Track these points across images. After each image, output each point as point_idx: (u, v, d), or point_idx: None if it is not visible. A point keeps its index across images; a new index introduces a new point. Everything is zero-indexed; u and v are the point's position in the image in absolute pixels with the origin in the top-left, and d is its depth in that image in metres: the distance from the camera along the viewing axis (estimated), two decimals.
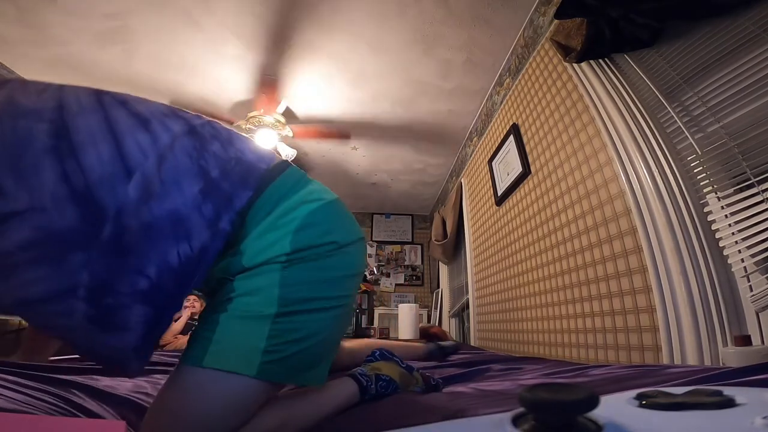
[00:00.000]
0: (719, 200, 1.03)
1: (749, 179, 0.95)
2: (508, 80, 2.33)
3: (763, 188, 0.91)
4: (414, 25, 2.07)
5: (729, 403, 0.24)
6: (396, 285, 4.97)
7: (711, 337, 0.96)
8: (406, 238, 5.19)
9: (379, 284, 4.88)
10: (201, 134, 0.54)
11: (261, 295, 0.51)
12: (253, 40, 2.21)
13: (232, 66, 2.44)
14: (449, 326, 3.79)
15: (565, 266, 1.64)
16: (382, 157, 3.63)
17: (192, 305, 2.73)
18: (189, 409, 0.48)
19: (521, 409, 0.23)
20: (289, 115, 2.87)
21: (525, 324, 2.02)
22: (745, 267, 0.95)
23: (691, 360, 0.99)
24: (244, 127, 2.82)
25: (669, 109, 1.18)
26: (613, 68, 1.41)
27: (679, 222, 1.08)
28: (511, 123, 2.27)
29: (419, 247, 5.15)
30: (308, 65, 2.42)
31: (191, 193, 0.48)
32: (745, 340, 0.85)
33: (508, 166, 2.27)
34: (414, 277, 5.02)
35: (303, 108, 2.87)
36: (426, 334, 2.90)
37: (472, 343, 2.83)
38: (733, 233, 0.97)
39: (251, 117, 2.76)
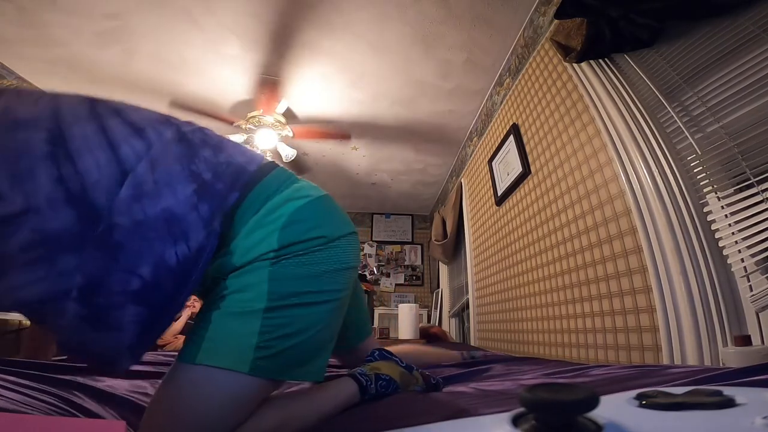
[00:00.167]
0: (719, 200, 1.03)
1: (749, 179, 0.95)
2: (508, 80, 2.33)
3: (763, 188, 0.91)
4: (414, 25, 2.07)
5: (729, 403, 0.24)
6: (396, 285, 4.96)
7: (711, 337, 0.96)
8: (406, 238, 5.19)
9: (379, 284, 4.88)
10: (191, 141, 0.56)
11: (251, 291, 0.52)
12: (253, 40, 2.21)
13: (232, 66, 2.44)
14: (449, 326, 3.79)
15: (565, 266, 1.64)
16: (382, 157, 3.63)
17: (192, 305, 2.73)
18: (184, 407, 0.48)
19: (521, 409, 0.23)
20: (289, 115, 2.87)
21: (525, 324, 2.02)
22: (745, 267, 0.95)
23: (691, 360, 0.99)
24: (243, 126, 2.81)
25: (669, 109, 1.18)
26: (613, 68, 1.41)
27: (679, 222, 1.08)
28: (511, 123, 2.27)
29: (419, 247, 5.15)
30: (308, 65, 2.42)
31: (185, 195, 0.49)
32: (745, 340, 0.85)
33: (508, 166, 2.27)
34: (414, 277, 5.02)
35: (303, 108, 2.87)
36: (426, 334, 2.90)
37: (472, 343, 2.83)
38: (733, 233, 0.97)
39: (251, 117, 2.76)
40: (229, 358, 0.49)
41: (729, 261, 0.98)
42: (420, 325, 2.92)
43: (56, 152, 0.45)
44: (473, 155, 3.05)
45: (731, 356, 0.86)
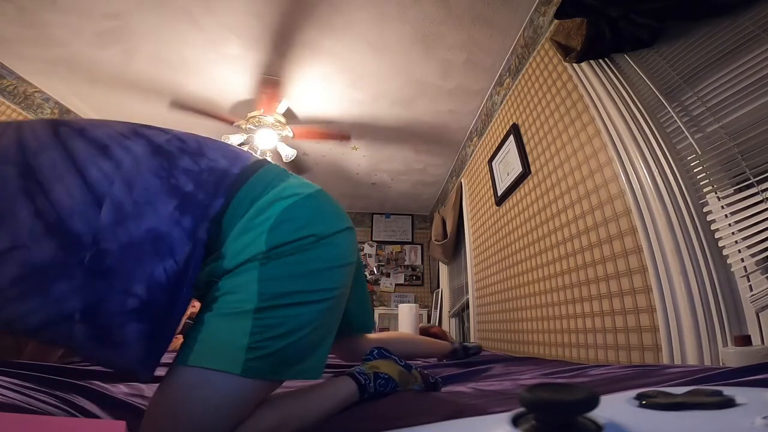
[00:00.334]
0: (719, 200, 1.03)
1: (749, 179, 0.95)
2: (508, 80, 2.33)
3: (763, 188, 0.91)
4: (414, 25, 2.07)
5: (729, 403, 0.24)
6: (396, 285, 4.96)
7: (711, 337, 0.96)
8: (406, 238, 5.19)
9: (379, 284, 4.88)
10: (168, 151, 0.55)
11: (241, 292, 0.52)
12: (253, 40, 2.21)
13: (232, 66, 2.44)
14: (449, 326, 3.79)
15: (565, 266, 1.64)
16: (382, 157, 3.63)
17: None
18: (180, 410, 0.48)
19: (521, 409, 0.23)
20: (289, 115, 2.87)
21: (525, 324, 2.02)
22: (745, 267, 0.95)
23: (691, 360, 0.99)
24: (244, 126, 2.82)
25: (669, 109, 1.18)
26: (613, 68, 1.41)
27: (679, 222, 1.08)
28: (511, 123, 2.27)
29: (419, 247, 5.15)
30: (309, 65, 2.42)
31: (167, 211, 0.49)
32: (745, 340, 0.85)
33: (508, 166, 2.27)
34: (414, 277, 5.02)
35: (303, 108, 2.87)
36: (426, 334, 2.89)
37: None
38: (732, 233, 0.97)
39: (251, 117, 2.76)
40: (220, 360, 0.49)
41: (729, 261, 0.98)
42: (420, 325, 2.92)
43: (28, 185, 0.46)
44: (473, 155, 3.05)
45: (731, 356, 0.86)
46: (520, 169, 2.08)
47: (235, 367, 0.49)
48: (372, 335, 1.06)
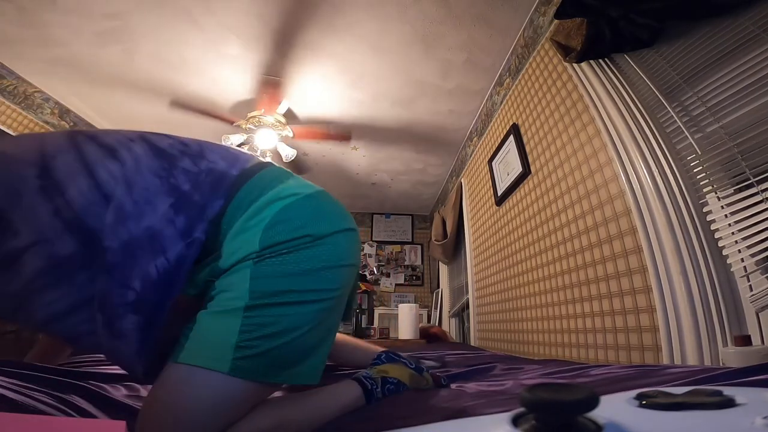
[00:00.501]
0: (719, 200, 1.03)
1: (749, 179, 0.95)
2: (508, 80, 2.33)
3: (763, 188, 0.91)
4: (414, 25, 2.07)
5: (729, 403, 0.24)
6: (396, 285, 4.96)
7: (711, 337, 0.96)
8: (406, 238, 5.19)
9: (379, 284, 4.87)
10: (169, 154, 0.57)
11: (233, 290, 0.52)
12: (253, 40, 2.21)
13: (232, 66, 2.44)
14: (449, 326, 3.79)
15: (565, 266, 1.64)
16: (382, 157, 3.63)
17: None
18: (170, 406, 0.48)
19: (521, 409, 0.23)
20: (289, 116, 2.87)
21: (525, 324, 2.02)
22: (745, 267, 0.95)
23: (691, 360, 0.99)
24: (244, 126, 2.81)
25: (669, 109, 1.18)
26: (613, 68, 1.41)
27: (679, 222, 1.08)
28: (511, 123, 2.27)
29: (419, 247, 5.15)
30: (309, 66, 2.42)
31: (162, 210, 0.52)
32: (745, 340, 0.85)
33: (508, 166, 2.27)
34: (414, 277, 5.02)
35: (303, 108, 2.87)
36: (426, 334, 2.90)
37: (473, 343, 2.83)
38: (732, 233, 0.97)
39: (251, 117, 2.76)
40: (208, 357, 0.49)
41: (729, 261, 0.98)
42: (420, 325, 2.92)
43: (46, 185, 0.50)
44: (473, 155, 3.05)
45: (731, 356, 0.86)
46: (520, 169, 2.08)
47: (223, 365, 0.49)
48: None
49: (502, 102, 2.44)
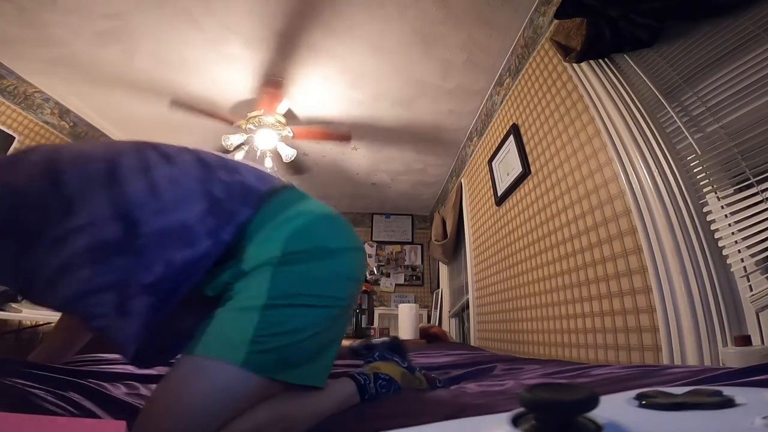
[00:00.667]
0: (719, 200, 1.03)
1: (749, 179, 0.95)
2: (508, 80, 2.33)
3: (763, 188, 0.91)
4: (414, 25, 2.07)
5: (729, 403, 0.24)
6: (396, 285, 4.96)
7: (711, 337, 0.96)
8: (406, 238, 5.19)
9: (379, 284, 4.87)
10: (210, 164, 0.66)
11: (253, 289, 0.57)
12: (253, 40, 2.21)
13: (232, 66, 2.44)
14: (449, 326, 3.79)
15: (565, 266, 1.64)
16: (382, 158, 3.64)
17: None
18: (181, 395, 0.51)
19: (521, 409, 0.23)
20: (289, 116, 2.87)
21: (525, 324, 2.02)
22: (744, 267, 0.95)
23: (691, 360, 0.99)
24: (244, 126, 2.81)
25: (669, 109, 1.18)
26: (612, 68, 1.41)
27: (679, 222, 1.09)
28: (511, 123, 2.27)
29: (419, 247, 5.15)
30: (309, 66, 2.42)
31: (198, 210, 0.59)
32: (745, 340, 0.85)
33: (508, 166, 2.27)
34: (414, 277, 5.02)
35: (303, 108, 2.87)
36: (426, 334, 2.90)
37: (473, 343, 2.83)
38: (732, 233, 0.97)
39: (251, 117, 2.76)
40: (224, 350, 0.53)
41: (729, 261, 0.98)
42: (420, 325, 2.92)
43: (110, 179, 0.59)
44: (473, 155, 3.05)
45: (731, 356, 0.86)
46: (520, 169, 2.08)
47: (237, 357, 0.52)
48: None
49: (502, 102, 2.44)
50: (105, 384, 0.76)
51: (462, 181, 3.37)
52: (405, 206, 5.02)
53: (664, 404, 0.25)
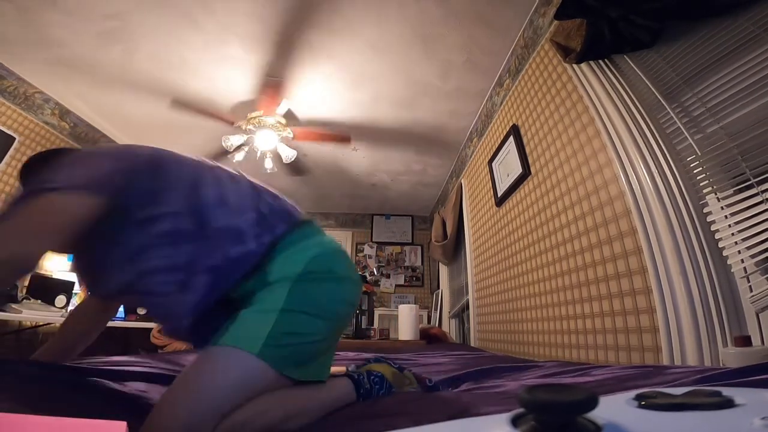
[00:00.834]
0: (719, 201, 1.03)
1: (749, 180, 0.96)
2: (508, 81, 2.33)
3: (763, 189, 0.91)
4: (414, 25, 2.07)
5: (728, 403, 0.24)
6: (396, 286, 4.96)
7: (711, 337, 0.96)
8: (406, 239, 5.19)
9: (379, 285, 4.87)
10: (259, 189, 0.84)
11: (274, 297, 0.69)
12: (253, 41, 2.22)
13: (232, 66, 2.44)
14: (449, 327, 3.79)
15: (566, 267, 1.64)
16: (382, 158, 3.64)
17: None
18: (203, 376, 0.60)
19: (521, 410, 0.23)
20: (289, 116, 2.87)
21: (525, 325, 2.02)
22: (744, 267, 0.95)
23: (691, 361, 0.99)
24: (244, 127, 2.82)
25: (669, 109, 1.19)
26: (612, 69, 1.41)
27: (678, 223, 1.09)
28: (511, 124, 2.27)
29: (419, 248, 5.15)
30: (309, 66, 2.42)
31: (249, 219, 0.75)
32: (745, 341, 0.85)
33: (508, 167, 2.27)
34: (414, 278, 5.02)
35: (303, 109, 2.87)
36: (426, 335, 2.90)
37: (473, 344, 2.83)
38: (732, 234, 0.97)
39: (252, 117, 2.76)
40: (244, 341, 0.63)
41: (729, 261, 0.98)
42: (420, 326, 2.92)
43: (194, 184, 0.76)
44: (473, 156, 3.05)
45: (731, 357, 0.86)
46: (520, 170, 2.08)
47: (254, 347, 0.62)
48: None
49: (502, 103, 2.45)
50: (112, 383, 0.75)
51: (462, 181, 3.37)
52: (405, 207, 5.02)
53: (664, 405, 0.25)
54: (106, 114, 3.01)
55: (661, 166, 1.16)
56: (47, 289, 2.62)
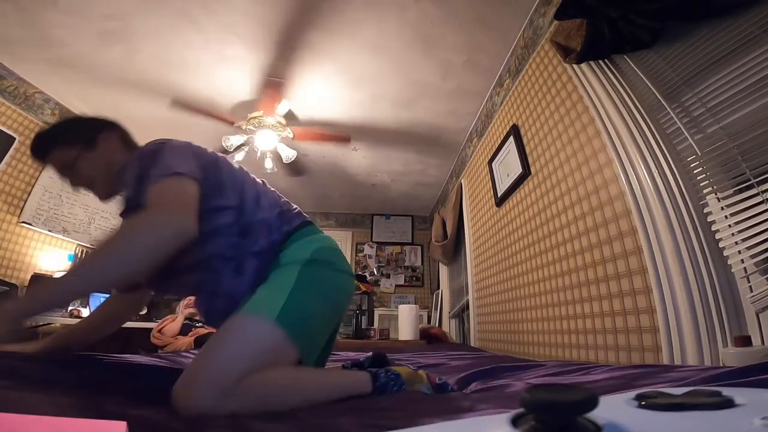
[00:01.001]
0: (719, 201, 1.03)
1: (749, 180, 0.96)
2: (508, 81, 2.33)
3: (763, 189, 0.91)
4: (414, 26, 2.07)
5: (728, 403, 0.24)
6: (396, 286, 4.96)
7: (711, 337, 0.96)
8: (406, 239, 5.19)
9: (379, 285, 4.87)
10: (275, 193, 0.99)
11: (287, 276, 0.81)
12: (253, 41, 2.22)
13: (232, 67, 2.44)
14: (449, 327, 3.79)
15: (566, 267, 1.64)
16: (382, 158, 3.64)
17: (188, 304, 2.73)
18: (228, 339, 0.69)
19: (521, 410, 0.23)
20: (289, 117, 2.87)
21: (525, 325, 2.02)
22: (745, 267, 0.95)
23: (692, 360, 0.99)
24: (244, 127, 2.82)
25: (669, 110, 1.19)
26: (612, 69, 1.41)
27: (679, 223, 1.09)
28: (511, 124, 2.27)
29: (419, 248, 5.15)
30: (309, 67, 2.42)
31: (275, 215, 0.91)
32: (745, 341, 0.85)
33: (508, 167, 2.27)
34: (414, 278, 5.02)
35: (303, 109, 2.87)
36: (426, 335, 2.90)
37: (473, 344, 2.83)
38: (732, 234, 0.97)
39: (252, 118, 2.76)
40: (264, 308, 0.74)
41: (729, 262, 0.98)
42: (420, 326, 2.92)
43: (241, 185, 0.92)
44: (473, 156, 3.05)
45: (731, 357, 0.86)
46: (520, 170, 2.08)
47: (273, 312, 0.72)
48: None
49: (502, 103, 2.45)
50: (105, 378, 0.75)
51: (462, 181, 3.37)
52: (405, 207, 5.02)
53: (664, 405, 0.25)
54: (105, 113, 3.00)
55: (661, 166, 1.16)
56: None
